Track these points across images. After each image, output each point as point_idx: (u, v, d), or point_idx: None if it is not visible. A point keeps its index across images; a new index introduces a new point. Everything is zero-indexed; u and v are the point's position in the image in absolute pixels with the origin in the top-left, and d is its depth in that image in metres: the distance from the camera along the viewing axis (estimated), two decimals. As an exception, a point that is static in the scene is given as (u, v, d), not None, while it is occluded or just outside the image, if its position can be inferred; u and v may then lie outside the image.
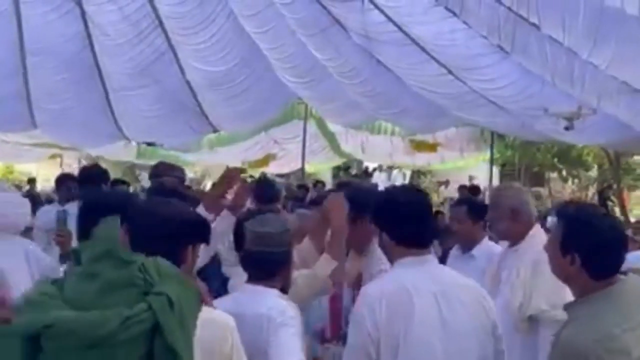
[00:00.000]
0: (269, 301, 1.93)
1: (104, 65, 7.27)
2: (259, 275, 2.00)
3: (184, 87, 8.06)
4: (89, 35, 6.66)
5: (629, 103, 6.45)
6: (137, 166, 16.70)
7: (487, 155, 12.84)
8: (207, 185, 17.55)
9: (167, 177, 3.66)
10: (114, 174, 18.22)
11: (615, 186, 14.69)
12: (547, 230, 2.84)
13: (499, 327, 1.94)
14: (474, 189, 10.30)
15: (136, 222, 1.58)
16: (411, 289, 1.85)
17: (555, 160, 16.00)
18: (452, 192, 17.36)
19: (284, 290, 2.02)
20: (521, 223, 2.58)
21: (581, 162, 15.83)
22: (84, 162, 16.44)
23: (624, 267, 1.80)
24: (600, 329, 1.63)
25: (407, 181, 18.59)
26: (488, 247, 3.18)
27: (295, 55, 7.09)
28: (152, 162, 15.26)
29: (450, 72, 6.72)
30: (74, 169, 15.98)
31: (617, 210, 15.47)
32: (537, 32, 5.53)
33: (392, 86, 7.32)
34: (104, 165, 17.98)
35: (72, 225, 3.06)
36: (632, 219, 13.23)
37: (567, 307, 1.81)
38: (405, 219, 1.93)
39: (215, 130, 10.07)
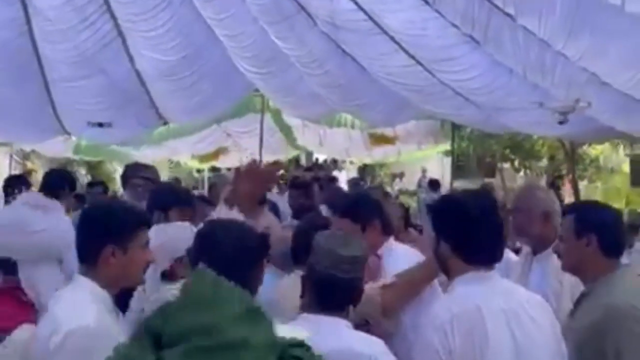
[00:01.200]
0: (364, 339, 1.76)
1: (44, 53, 6.75)
2: (331, 304, 1.79)
3: (133, 77, 7.63)
4: (28, 21, 6.16)
5: (596, 95, 6.54)
6: (75, 162, 15.92)
7: (444, 147, 12.97)
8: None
9: (138, 178, 3.42)
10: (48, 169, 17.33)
11: (570, 176, 15.15)
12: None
13: (563, 342, 1.85)
14: (434, 183, 10.36)
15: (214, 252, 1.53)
16: (483, 308, 1.73)
17: (507, 151, 16.37)
18: (407, 184, 17.57)
19: None
20: (553, 227, 2.48)
21: (533, 152, 16.25)
22: (16, 158, 15.54)
23: None
24: (634, 293, 1.90)
25: (355, 174, 18.68)
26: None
27: (256, 44, 6.81)
28: (91, 158, 14.73)
29: (419, 63, 6.61)
30: (4, 165, 15.08)
31: (567, 200, 16.04)
32: (512, 22, 5.48)
33: (357, 78, 7.16)
34: (37, 162, 17.17)
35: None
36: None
37: (590, 286, 2.00)
38: (480, 235, 1.80)
39: (165, 123, 9.67)
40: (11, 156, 14.39)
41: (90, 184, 7.49)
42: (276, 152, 12.27)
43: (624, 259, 2.72)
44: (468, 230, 1.78)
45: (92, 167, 16.79)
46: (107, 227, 1.82)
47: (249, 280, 1.47)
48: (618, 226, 2.05)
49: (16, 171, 16.14)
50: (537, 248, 2.54)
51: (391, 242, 2.21)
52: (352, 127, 10.67)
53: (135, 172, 3.52)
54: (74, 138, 10.34)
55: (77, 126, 8.79)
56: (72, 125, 8.74)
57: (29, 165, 16.54)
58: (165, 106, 8.53)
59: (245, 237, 1.69)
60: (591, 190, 16.41)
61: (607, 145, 14.17)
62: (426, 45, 6.23)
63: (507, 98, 6.94)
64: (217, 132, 11.41)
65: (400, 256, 1.98)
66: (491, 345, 1.67)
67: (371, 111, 8.40)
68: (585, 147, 15.38)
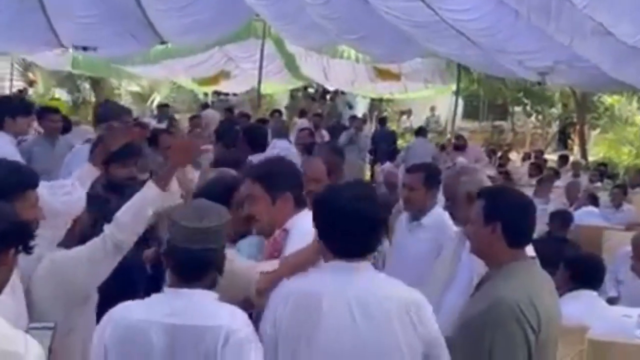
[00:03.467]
0: (220, 309, 1.75)
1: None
2: (189, 276, 1.77)
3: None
4: None
5: (601, 45, 6.40)
6: (77, 77, 15.90)
7: (452, 87, 12.80)
8: (156, 101, 16.97)
9: (114, 121, 3.38)
10: (51, 83, 17.43)
11: (578, 125, 14.99)
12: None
13: (439, 346, 1.81)
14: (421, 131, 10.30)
15: None
16: (325, 294, 1.76)
17: (521, 94, 16.15)
18: (414, 122, 17.45)
19: None
20: None
21: (546, 98, 16.02)
22: (18, 68, 15.55)
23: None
24: (526, 290, 1.91)
25: (366, 108, 18.54)
26: (439, 216, 3.04)
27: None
28: (89, 73, 14.68)
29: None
30: (5, 73, 15.11)
31: (575, 149, 15.94)
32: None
33: (356, 10, 7.02)
34: (38, 73, 17.10)
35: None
36: (590, 158, 13.65)
37: (492, 272, 2.01)
38: (341, 228, 1.79)
39: (162, 42, 9.58)
40: (12, 65, 14.42)
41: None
42: (277, 80, 12.19)
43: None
44: (330, 222, 1.79)
45: (95, 81, 16.76)
46: None
47: None
48: (526, 216, 2.01)
49: (18, 81, 16.26)
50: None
51: (302, 214, 2.14)
52: (357, 60, 10.54)
53: (112, 115, 3.46)
54: (70, 51, 10.30)
55: (71, 39, 8.76)
56: (67, 38, 8.71)
57: (31, 76, 16.56)
58: (162, 24, 8.44)
59: None
60: (600, 140, 16.24)
61: (623, 95, 13.90)
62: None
63: (511, 42, 6.81)
64: (217, 55, 11.30)
65: (307, 231, 1.94)
66: (323, 329, 1.71)
67: (372, 45, 8.28)
68: (599, 96, 15.12)
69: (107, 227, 2.07)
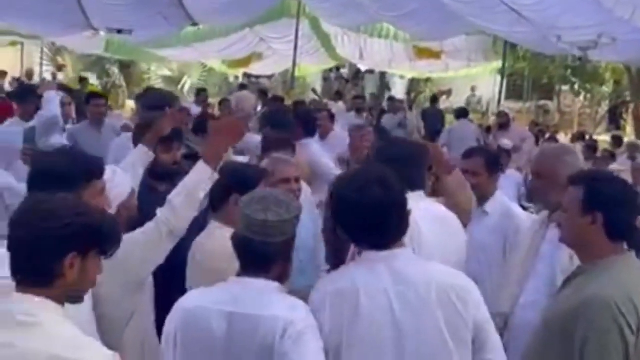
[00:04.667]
0: (280, 301, 1.73)
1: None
2: (250, 265, 1.77)
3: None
4: None
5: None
6: (106, 60, 16.01)
7: (495, 65, 12.44)
8: (187, 85, 16.98)
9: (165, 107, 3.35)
10: (80, 67, 17.62)
11: (632, 105, 14.44)
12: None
13: (485, 331, 1.73)
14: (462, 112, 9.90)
15: None
16: (361, 288, 1.71)
17: (568, 72, 15.63)
18: (454, 102, 17.10)
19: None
20: None
21: (596, 76, 15.47)
22: (47, 52, 15.72)
23: None
24: (625, 287, 1.77)
25: (404, 88, 18.22)
26: (504, 203, 2.90)
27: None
28: (120, 57, 14.78)
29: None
30: (37, 59, 15.32)
31: (628, 130, 15.39)
32: None
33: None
34: (67, 58, 17.30)
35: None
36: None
37: (585, 266, 1.87)
38: (358, 221, 1.74)
39: (194, 24, 9.52)
40: (42, 50, 14.58)
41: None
42: (312, 61, 12.03)
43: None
44: (344, 215, 1.73)
45: (124, 66, 16.87)
46: (58, 178, 1.77)
47: None
48: (630, 207, 1.87)
49: (48, 66, 16.48)
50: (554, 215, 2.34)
51: None
52: (396, 38, 10.29)
53: (165, 102, 3.45)
54: (102, 34, 10.33)
55: (103, 22, 8.77)
56: (98, 20, 8.72)
57: (60, 60, 16.75)
58: (193, 4, 8.37)
59: None
60: (657, 120, 15.62)
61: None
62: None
63: (564, 16, 6.51)
64: (249, 37, 11.18)
65: None
66: (363, 327, 1.67)
67: (415, 23, 8.05)
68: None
69: (160, 212, 2.06)
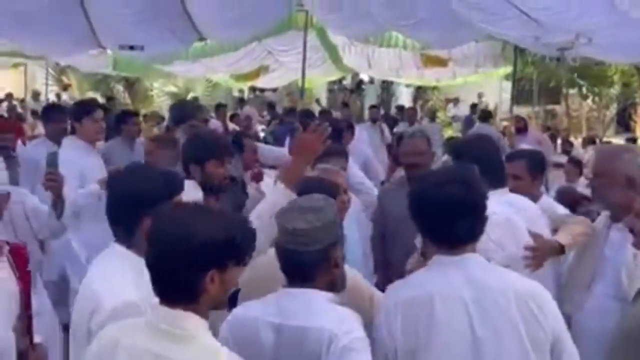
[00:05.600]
0: (328, 312, 1.71)
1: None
2: (294, 276, 1.77)
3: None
4: None
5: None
6: (111, 78, 16.07)
7: (502, 71, 12.47)
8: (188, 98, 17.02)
9: (196, 120, 3.40)
10: (85, 87, 17.73)
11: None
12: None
13: (563, 341, 1.71)
14: (485, 116, 9.91)
15: None
16: (436, 295, 1.70)
17: (575, 75, 15.65)
18: (462, 110, 17.12)
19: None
20: (635, 193, 2.25)
21: (604, 78, 15.48)
22: (52, 73, 15.80)
23: None
24: None
25: (410, 97, 18.25)
26: (550, 206, 2.85)
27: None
28: (128, 74, 14.85)
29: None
30: (40, 79, 15.40)
31: (638, 132, 15.37)
32: None
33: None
34: (72, 77, 17.39)
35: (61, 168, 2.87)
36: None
37: None
38: (436, 217, 1.75)
39: (201, 39, 9.57)
40: (47, 70, 14.66)
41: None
42: (319, 72, 12.06)
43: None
44: (422, 212, 1.73)
45: (129, 83, 16.94)
46: (143, 196, 1.79)
47: None
48: None
49: (52, 86, 16.55)
50: (617, 216, 2.29)
51: None
52: (404, 47, 10.32)
53: (193, 113, 3.49)
54: (109, 52, 10.38)
55: (111, 40, 8.80)
56: (107, 38, 8.75)
57: (65, 80, 16.82)
58: (202, 20, 8.40)
59: None
60: (666, 121, 15.64)
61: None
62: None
63: (580, 20, 6.51)
64: (257, 50, 11.23)
65: None
66: (440, 334, 1.65)
67: (425, 31, 8.06)
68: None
69: None
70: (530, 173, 2.90)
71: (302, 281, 1.74)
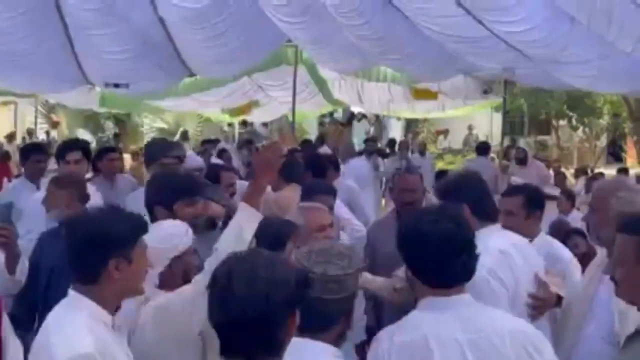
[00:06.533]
0: None
1: (63, 1, 6.69)
2: (307, 325, 1.65)
3: (156, 25, 7.53)
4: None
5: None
6: (101, 114, 16.09)
7: (493, 102, 12.56)
8: (177, 134, 17.03)
9: (168, 157, 3.31)
10: (75, 124, 17.74)
11: (635, 137, 14.55)
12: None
13: None
14: (484, 148, 9.85)
15: None
16: (431, 338, 1.65)
17: (565, 107, 15.82)
18: (452, 142, 17.23)
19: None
20: None
21: (593, 109, 15.65)
22: (41, 110, 15.80)
23: None
24: None
25: (401, 130, 18.34)
26: (547, 245, 2.77)
27: (289, -9, 6.59)
28: (117, 110, 14.87)
29: (468, 12, 6.29)
30: (30, 117, 15.38)
31: (629, 162, 15.47)
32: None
33: (398, 29, 6.88)
34: (61, 114, 17.42)
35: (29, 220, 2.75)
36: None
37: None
38: (429, 254, 1.70)
39: (191, 75, 9.60)
40: (36, 108, 14.66)
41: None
42: (309, 106, 12.11)
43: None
44: (415, 250, 1.69)
45: (119, 119, 16.96)
46: (110, 238, 1.75)
47: None
48: None
49: (42, 124, 16.54)
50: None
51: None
52: (393, 81, 10.40)
53: (164, 151, 3.40)
54: (97, 89, 10.39)
55: (100, 77, 8.81)
56: (95, 75, 8.76)
57: (54, 117, 16.82)
58: (191, 57, 8.44)
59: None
60: (656, 151, 15.74)
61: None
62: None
63: (567, 51, 6.58)
64: (247, 84, 11.29)
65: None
66: None
67: (414, 65, 8.12)
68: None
69: (207, 262, 2.00)
70: (526, 210, 2.81)
71: (315, 332, 1.65)
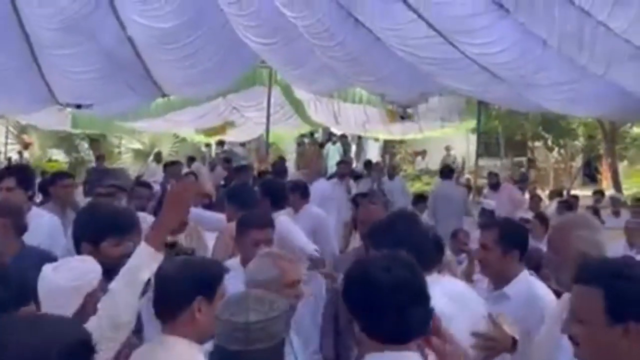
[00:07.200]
0: None
1: (26, 19, 6.51)
2: None
3: (125, 45, 7.37)
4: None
5: (638, 69, 6.14)
6: (76, 136, 15.80)
7: (469, 125, 12.57)
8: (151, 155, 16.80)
9: (104, 187, 3.09)
10: (48, 144, 17.36)
11: (609, 159, 14.63)
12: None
13: None
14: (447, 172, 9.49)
15: None
16: None
17: (540, 129, 15.89)
18: (430, 163, 17.18)
19: None
20: None
21: (568, 131, 15.74)
22: (12, 131, 15.47)
23: None
24: None
25: (378, 151, 18.27)
26: (527, 286, 2.47)
27: (261, 12, 6.48)
28: (90, 131, 14.62)
29: (440, 34, 6.24)
30: (0, 138, 15.05)
31: (604, 183, 15.55)
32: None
33: (372, 51, 6.80)
34: (34, 135, 17.03)
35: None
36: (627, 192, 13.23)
37: None
38: (381, 305, 1.50)
39: (164, 95, 9.44)
40: (7, 129, 14.36)
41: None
42: (285, 127, 12.01)
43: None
44: (364, 301, 1.48)
45: (94, 140, 16.65)
46: (200, 279, 1.81)
47: None
48: None
49: (13, 145, 16.19)
50: None
51: None
52: (369, 103, 10.34)
53: (100, 180, 3.18)
54: (68, 110, 10.17)
55: (67, 97, 8.61)
56: (63, 96, 8.56)
57: (26, 138, 16.49)
58: (162, 77, 8.28)
59: None
60: (631, 172, 15.88)
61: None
62: (448, 15, 5.86)
63: (539, 74, 6.55)
64: (222, 105, 11.15)
65: None
66: None
67: (389, 87, 8.05)
68: (627, 126, 14.85)
69: (100, 303, 1.83)
70: (499, 244, 2.51)
71: None
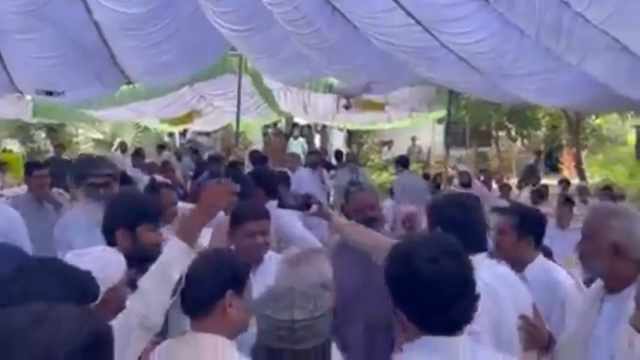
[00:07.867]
0: None
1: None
2: None
3: (91, 30, 7.08)
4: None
5: (613, 60, 6.19)
6: (33, 125, 15.23)
7: (437, 114, 12.61)
8: (114, 144, 16.36)
9: (97, 176, 2.98)
10: (2, 134, 16.77)
11: (574, 148, 14.91)
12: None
13: None
14: (404, 162, 9.56)
15: None
16: None
17: (504, 119, 16.09)
18: (396, 152, 17.22)
19: None
20: (632, 262, 1.94)
21: (532, 121, 16.00)
22: (-34, 119, 14.80)
23: None
24: None
25: (343, 141, 18.25)
26: (546, 270, 2.59)
27: (233, -3, 6.29)
28: (50, 120, 14.09)
29: (419, 23, 6.16)
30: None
31: (566, 173, 15.88)
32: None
33: (348, 38, 6.68)
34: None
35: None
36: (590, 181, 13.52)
37: None
38: (427, 298, 1.48)
39: (129, 83, 9.14)
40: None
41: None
42: (253, 116, 11.80)
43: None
44: (407, 289, 1.45)
45: (52, 130, 16.10)
46: (230, 272, 1.79)
47: None
48: None
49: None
50: (610, 286, 2.01)
51: None
52: (340, 92, 10.20)
53: (93, 169, 3.05)
54: (28, 97, 9.76)
55: (29, 84, 8.24)
56: (24, 83, 8.19)
57: (-18, 127, 15.86)
58: (128, 64, 7.99)
59: None
60: (591, 161, 16.26)
61: (614, 115, 13.93)
62: (427, 3, 5.78)
63: (516, 63, 6.54)
64: (188, 94, 10.87)
65: None
66: None
67: (361, 76, 7.95)
68: (588, 117, 15.17)
69: (130, 300, 1.77)
70: (516, 230, 2.68)
71: None
